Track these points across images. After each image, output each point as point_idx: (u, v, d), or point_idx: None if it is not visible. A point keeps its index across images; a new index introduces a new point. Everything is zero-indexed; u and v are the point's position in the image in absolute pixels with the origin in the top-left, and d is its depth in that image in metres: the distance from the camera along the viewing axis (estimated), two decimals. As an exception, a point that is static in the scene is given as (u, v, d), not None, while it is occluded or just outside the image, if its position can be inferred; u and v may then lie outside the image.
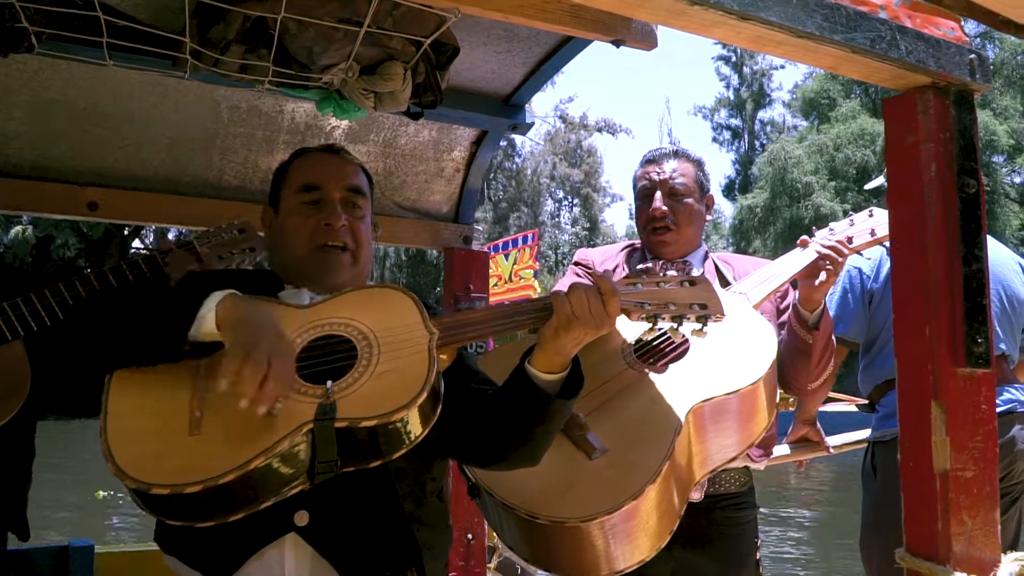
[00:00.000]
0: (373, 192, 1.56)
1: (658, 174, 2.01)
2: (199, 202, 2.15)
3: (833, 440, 2.78)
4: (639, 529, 1.51)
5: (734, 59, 37.22)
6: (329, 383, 1.17)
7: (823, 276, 1.85)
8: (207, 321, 1.19)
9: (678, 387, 1.64)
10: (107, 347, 1.22)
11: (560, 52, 2.05)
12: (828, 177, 27.24)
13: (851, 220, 1.96)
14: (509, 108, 2.25)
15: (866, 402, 2.63)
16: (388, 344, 1.22)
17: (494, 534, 2.56)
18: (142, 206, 2.08)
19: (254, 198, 2.22)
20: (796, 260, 1.90)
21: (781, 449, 2.57)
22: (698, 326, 1.32)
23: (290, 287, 1.44)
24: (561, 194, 39.03)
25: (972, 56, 1.12)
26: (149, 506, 1.11)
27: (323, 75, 1.80)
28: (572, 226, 38.78)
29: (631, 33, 1.80)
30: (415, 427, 1.17)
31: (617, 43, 1.81)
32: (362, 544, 1.29)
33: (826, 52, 1.04)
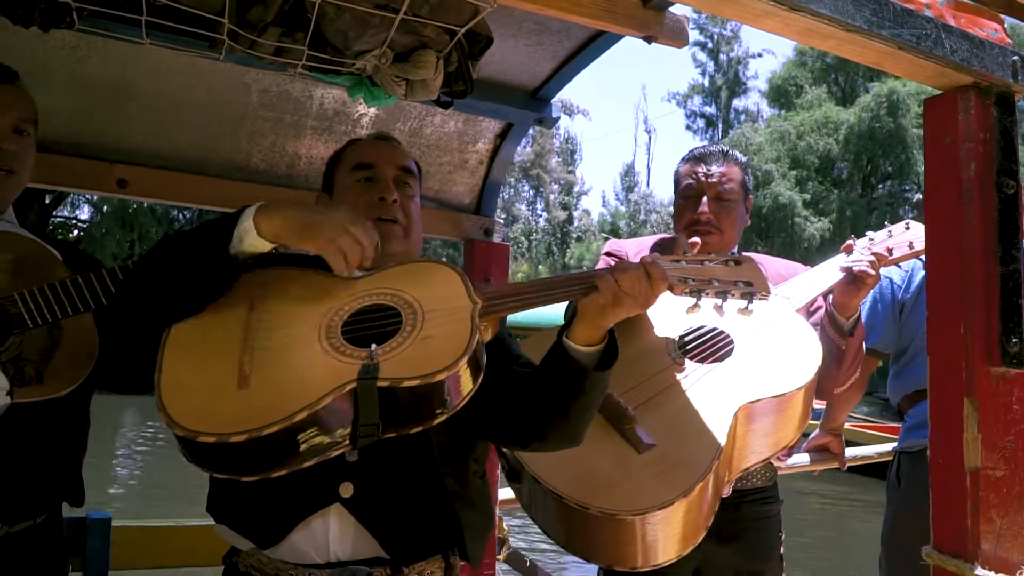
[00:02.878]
0: (420, 177, 1.60)
1: (706, 175, 2.02)
2: (226, 184, 2.17)
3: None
4: (682, 524, 1.54)
5: (711, 45, 37.14)
6: (373, 346, 1.19)
7: (861, 284, 1.88)
8: (249, 232, 1.22)
9: (725, 386, 1.67)
10: (155, 290, 1.26)
11: (590, 47, 2.07)
12: (789, 165, 26.80)
13: (889, 231, 1.99)
14: (536, 101, 2.26)
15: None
16: (433, 313, 1.25)
17: (503, 525, 2.58)
18: (170, 186, 2.10)
19: (280, 182, 2.24)
20: (836, 267, 1.93)
21: (800, 457, 2.59)
22: (743, 303, 1.34)
23: None
24: (531, 182, 39.18)
25: (1015, 58, 1.13)
26: (195, 456, 1.13)
27: (356, 61, 1.82)
28: (547, 212, 38.90)
29: (663, 29, 1.81)
30: (456, 393, 1.19)
31: (649, 39, 1.82)
32: (404, 518, 1.32)
33: (873, 47, 1.05)
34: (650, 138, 53.26)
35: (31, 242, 1.58)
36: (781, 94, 30.44)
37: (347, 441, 1.17)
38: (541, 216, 38.88)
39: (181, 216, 27.51)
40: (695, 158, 2.08)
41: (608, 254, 2.13)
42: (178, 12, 1.68)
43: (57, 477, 1.57)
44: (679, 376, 1.70)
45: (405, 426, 1.19)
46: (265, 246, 1.25)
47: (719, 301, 1.36)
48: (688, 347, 1.76)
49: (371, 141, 1.62)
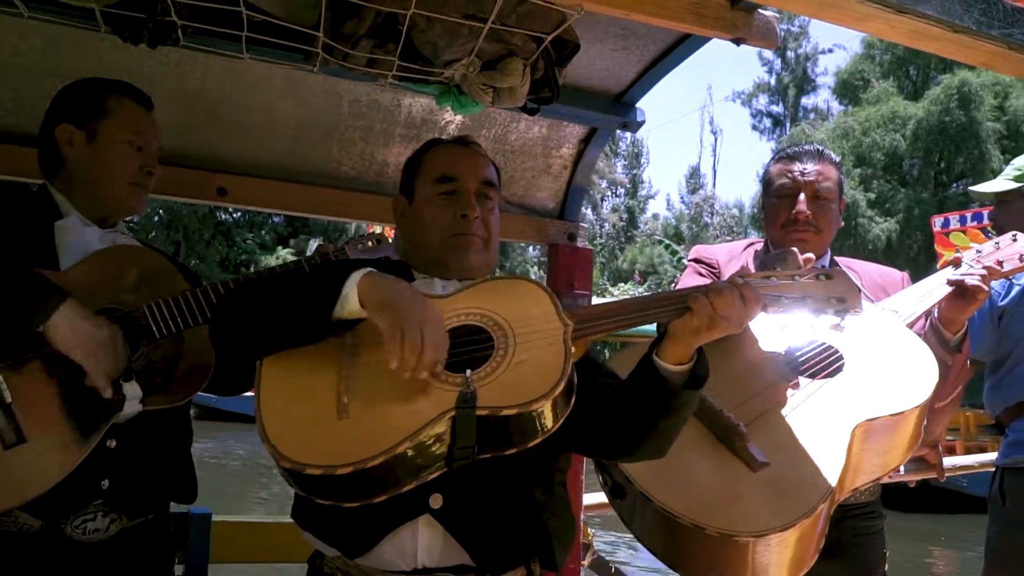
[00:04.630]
0: (500, 184, 1.60)
1: (803, 174, 1.96)
2: (318, 191, 2.24)
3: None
4: (796, 548, 1.50)
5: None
6: (468, 372, 1.21)
7: (972, 299, 1.81)
8: (350, 300, 1.24)
9: (839, 403, 1.63)
10: (257, 332, 1.30)
11: (676, 50, 2.05)
12: (853, 163, 25.14)
13: (996, 243, 1.90)
14: (620, 106, 2.26)
15: None
16: (523, 335, 1.26)
17: (589, 531, 2.58)
18: (266, 193, 2.18)
19: (369, 189, 2.30)
20: (943, 280, 1.85)
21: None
22: (836, 320, 1.30)
23: (422, 277, 1.49)
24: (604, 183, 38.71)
25: None
26: (301, 485, 1.18)
27: (445, 70, 1.86)
28: (595, 215, 38.38)
29: (753, 31, 1.78)
30: (550, 417, 1.20)
31: (738, 41, 1.80)
32: (493, 529, 1.34)
33: (982, 48, 1.01)
34: (716, 139, 52.34)
35: (154, 255, 1.68)
36: (848, 89, 29.18)
37: (443, 463, 1.20)
38: (606, 221, 38.58)
39: (228, 218, 28.38)
40: (788, 157, 2.03)
41: (696, 260, 2.10)
42: (275, 27, 1.75)
43: (173, 476, 1.65)
44: (790, 392, 1.66)
45: (500, 449, 1.22)
46: (363, 314, 1.25)
47: (812, 318, 1.33)
48: (797, 362, 1.72)
49: (453, 147, 1.60)
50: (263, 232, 30.69)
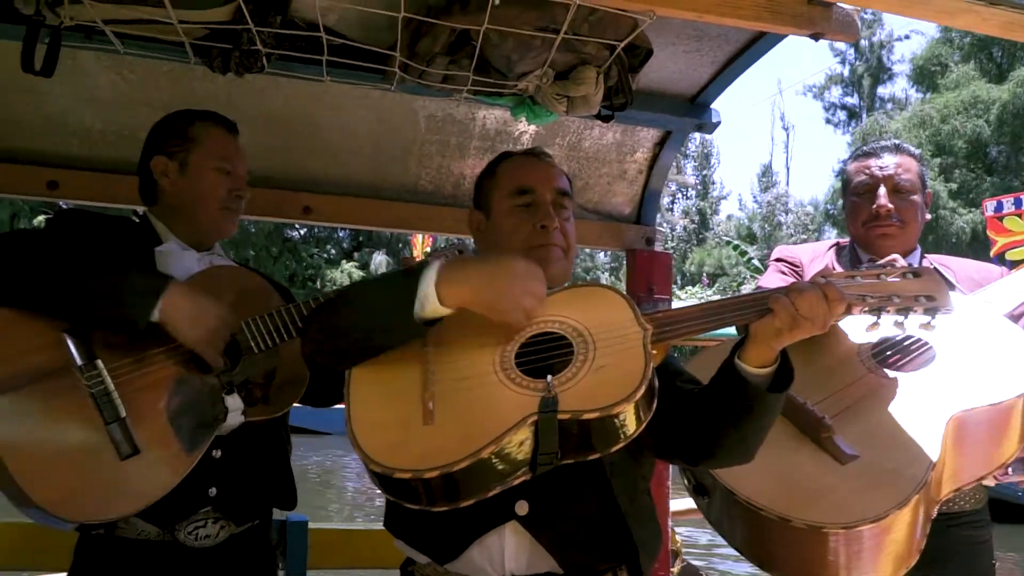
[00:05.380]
0: (573, 192, 1.62)
1: (881, 169, 1.93)
2: (397, 206, 2.30)
3: None
4: (888, 545, 1.47)
5: (850, 31, 34.34)
6: (549, 377, 1.23)
7: None
8: (429, 298, 1.27)
9: (930, 394, 1.58)
10: (343, 343, 1.34)
11: (751, 49, 2.03)
12: (932, 152, 23.89)
13: None
14: (695, 108, 2.24)
15: None
16: (603, 340, 1.27)
17: (676, 538, 2.56)
18: (347, 209, 2.26)
19: (446, 202, 2.35)
20: None
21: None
22: (926, 319, 1.27)
23: None
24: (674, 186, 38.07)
25: None
26: (390, 490, 1.22)
27: (519, 82, 1.88)
28: (682, 218, 37.71)
29: (832, 25, 1.75)
30: (632, 422, 1.21)
31: (816, 36, 1.76)
32: (579, 536, 1.35)
33: (1081, 35, 0.97)
34: (788, 135, 50.98)
35: (250, 274, 1.77)
36: (925, 76, 27.85)
37: (527, 469, 1.22)
38: (677, 224, 38.04)
39: (295, 234, 28.98)
40: (865, 154, 1.99)
41: (779, 260, 2.07)
42: (354, 50, 1.81)
43: (275, 484, 1.73)
44: (877, 385, 1.62)
45: (583, 454, 1.23)
46: (446, 312, 1.28)
47: (900, 318, 1.30)
48: (883, 355, 1.68)
49: (527, 160, 1.62)
50: (328, 247, 31.43)
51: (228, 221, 1.76)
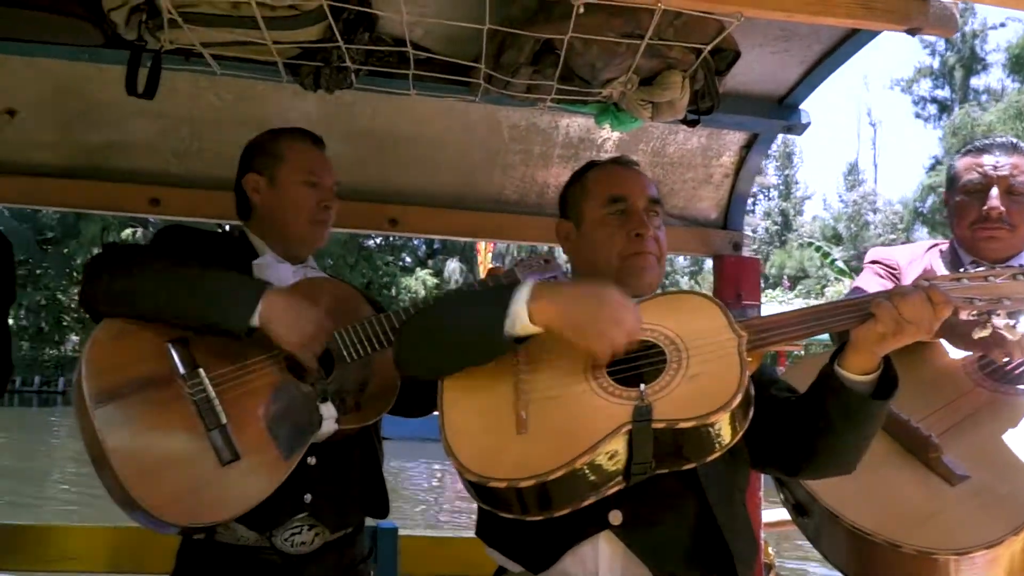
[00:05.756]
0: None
1: (995, 168, 1.83)
2: (481, 216, 2.32)
3: None
4: (1005, 569, 1.41)
5: (940, 21, 32.60)
6: (642, 386, 1.22)
7: None
8: (520, 317, 1.28)
9: None
10: (435, 354, 1.36)
11: (842, 47, 1.96)
12: None
13: None
14: (783, 109, 2.18)
15: None
16: (696, 348, 1.25)
17: (769, 550, 2.49)
18: (433, 220, 2.30)
19: (531, 211, 2.36)
20: None
21: None
22: None
23: None
24: (755, 187, 37.04)
25: None
26: (485, 499, 1.23)
27: (603, 89, 1.87)
28: (764, 219, 36.65)
29: (929, 19, 1.68)
30: (728, 431, 1.19)
31: (913, 31, 1.70)
32: (674, 546, 1.33)
33: None
34: (874, 131, 49.07)
35: (342, 285, 1.82)
36: (1021, 65, 26.26)
37: (621, 478, 1.21)
38: (758, 226, 37.15)
39: (372, 243, 29.41)
40: (977, 150, 1.89)
41: (875, 262, 1.99)
42: (439, 63, 1.84)
43: (367, 491, 1.76)
44: (986, 400, 1.55)
45: (678, 464, 1.21)
46: (536, 331, 1.28)
47: (1011, 322, 1.23)
48: (991, 367, 1.60)
49: (617, 168, 1.62)
50: (403, 254, 32.00)
51: (318, 232, 1.81)
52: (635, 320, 1.28)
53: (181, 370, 1.51)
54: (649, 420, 1.18)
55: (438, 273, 31.04)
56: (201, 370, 1.52)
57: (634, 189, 1.54)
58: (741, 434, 1.22)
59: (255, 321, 1.52)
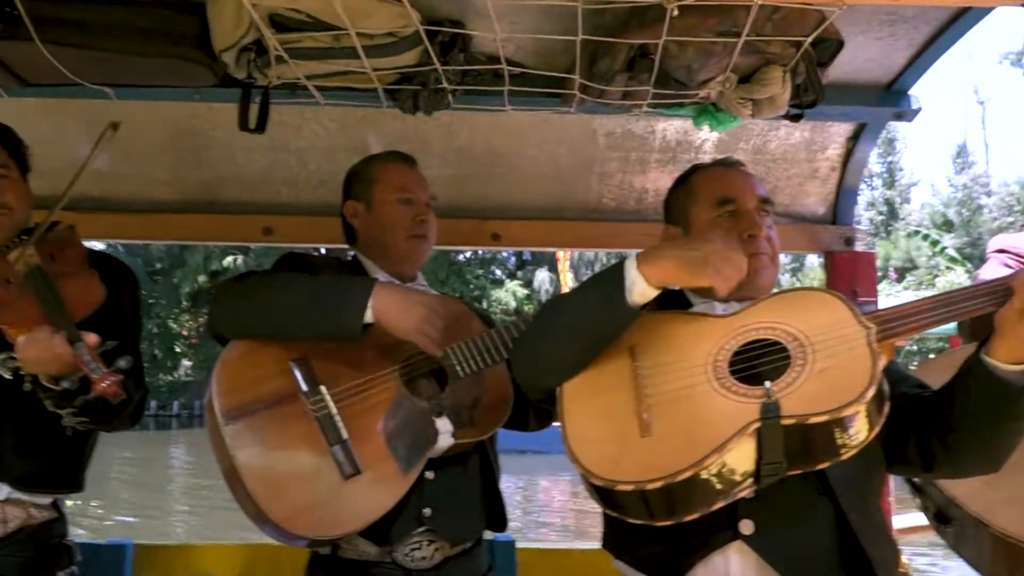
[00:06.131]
0: None
1: None
2: (581, 225, 2.33)
3: None
4: None
5: (1053, -20, 30.43)
6: (767, 383, 1.19)
7: None
8: (636, 283, 1.28)
9: None
10: (556, 348, 1.37)
11: (953, 27, 1.87)
12: None
13: None
14: (891, 95, 2.10)
15: None
16: (822, 343, 1.22)
17: (903, 559, 2.37)
18: (533, 233, 2.32)
19: (630, 218, 2.35)
20: None
21: None
22: None
23: (701, 301, 1.49)
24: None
25: None
26: (611, 504, 1.22)
27: (700, 90, 1.84)
28: (868, 209, 35.02)
29: (1048, -12, 1.58)
30: (864, 427, 1.15)
31: (1030, 2, 1.60)
32: (809, 555, 1.29)
33: None
34: (983, 110, 46.35)
35: (453, 301, 1.86)
36: None
37: (751, 480, 1.18)
38: (863, 215, 35.59)
39: (462, 258, 29.59)
40: None
41: (1002, 251, 1.89)
42: (532, 76, 1.85)
43: (486, 505, 1.78)
44: None
45: (811, 463, 1.18)
46: (653, 293, 1.29)
47: None
48: None
49: (724, 170, 1.60)
50: (492, 267, 32.21)
51: (418, 247, 1.85)
52: (741, 257, 1.29)
53: (304, 387, 1.57)
54: (778, 416, 1.15)
55: (528, 284, 31.16)
56: (323, 387, 1.57)
57: (743, 189, 1.52)
58: (876, 431, 1.17)
59: (369, 317, 1.55)
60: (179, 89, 1.86)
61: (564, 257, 21.49)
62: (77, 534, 1.83)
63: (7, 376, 1.60)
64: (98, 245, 2.36)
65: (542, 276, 30.25)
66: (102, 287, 1.71)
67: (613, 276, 1.31)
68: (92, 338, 1.52)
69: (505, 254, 31.73)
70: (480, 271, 31.86)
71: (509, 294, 30.16)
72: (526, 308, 28.84)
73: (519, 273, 31.97)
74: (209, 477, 14.87)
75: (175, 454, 20.57)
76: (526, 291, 30.81)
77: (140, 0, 1.67)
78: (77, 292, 1.66)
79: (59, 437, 1.69)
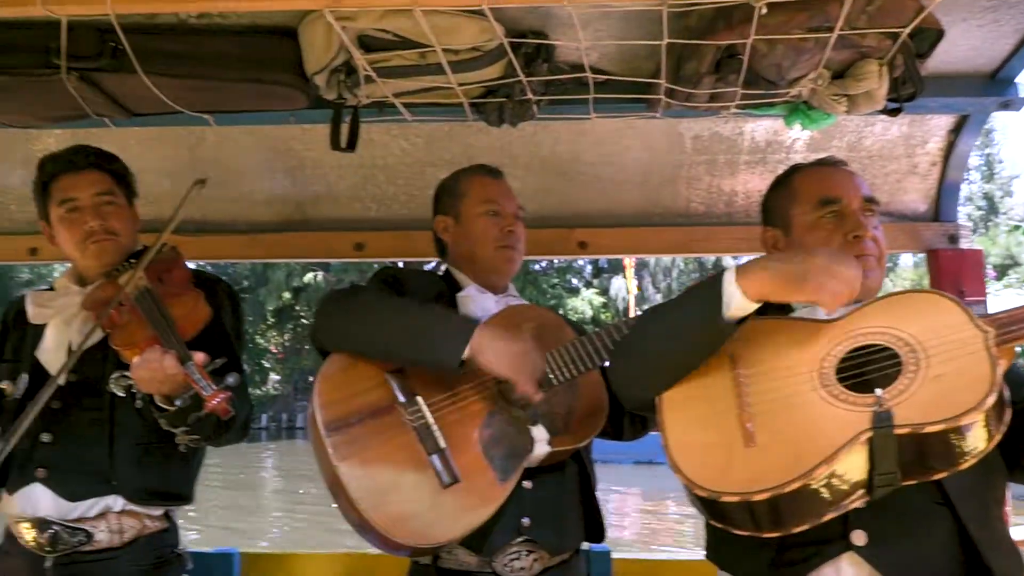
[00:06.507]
0: None
1: None
2: (669, 231, 2.30)
3: None
4: None
5: None
6: (878, 391, 1.15)
7: None
8: (734, 297, 1.25)
9: None
10: (654, 360, 1.36)
11: (1064, 7, 1.77)
12: None
13: None
14: (996, 84, 1.99)
15: None
16: (935, 347, 1.17)
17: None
18: (621, 240, 2.30)
19: (719, 221, 2.31)
20: None
21: None
22: None
23: (800, 304, 1.44)
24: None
25: None
26: (716, 515, 1.20)
27: (791, 88, 1.80)
28: (964, 204, 33.23)
29: None
30: (982, 436, 1.10)
31: None
32: (926, 567, 1.24)
33: None
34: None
35: (544, 311, 1.87)
36: None
37: (863, 491, 1.15)
38: (961, 208, 33.94)
39: (538, 267, 29.43)
40: None
41: None
42: (616, 83, 1.84)
43: (584, 514, 1.77)
44: None
45: (926, 473, 1.14)
46: (751, 307, 1.26)
47: None
48: None
49: (826, 170, 1.56)
50: (568, 276, 32.04)
51: (507, 258, 1.86)
52: (854, 270, 1.21)
53: (401, 398, 1.60)
54: (891, 426, 1.11)
55: (604, 292, 30.94)
56: (419, 398, 1.60)
57: (847, 189, 1.48)
58: (997, 439, 1.12)
59: (465, 355, 1.57)
60: (277, 113, 1.92)
61: (629, 264, 21.74)
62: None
63: (121, 394, 1.68)
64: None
65: (619, 284, 30.01)
66: (207, 306, 1.78)
67: (711, 288, 1.28)
68: (201, 356, 1.58)
69: (581, 262, 31.57)
70: (556, 280, 31.80)
71: (585, 303, 30.02)
72: (602, 316, 28.65)
73: (595, 281, 31.77)
74: (298, 487, 15.29)
75: (264, 465, 21.21)
76: (603, 299, 30.60)
77: (236, 30, 1.74)
78: (185, 312, 1.74)
79: (171, 452, 1.77)
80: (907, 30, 1.64)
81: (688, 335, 1.32)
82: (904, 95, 1.79)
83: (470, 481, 1.56)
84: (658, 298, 28.93)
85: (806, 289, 1.21)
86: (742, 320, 1.29)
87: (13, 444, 1.66)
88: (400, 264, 2.60)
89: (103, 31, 1.62)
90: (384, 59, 1.72)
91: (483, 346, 1.57)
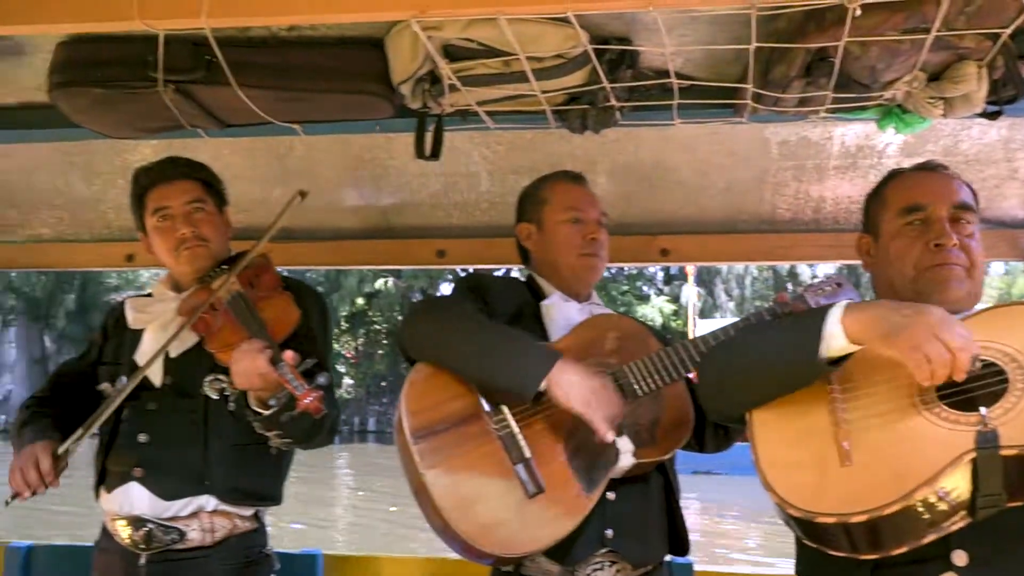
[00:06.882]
0: (978, 205, 1.45)
1: None
2: (754, 238, 2.26)
3: None
4: None
5: None
6: (983, 410, 1.10)
7: None
8: (835, 337, 1.21)
9: None
10: (744, 384, 1.34)
11: None
12: None
13: None
14: (1103, 86, 1.90)
15: None
16: None
17: None
18: (704, 248, 2.28)
19: (806, 228, 2.27)
20: None
21: None
22: None
23: None
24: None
25: None
26: (811, 535, 1.17)
27: (885, 91, 1.75)
28: None
29: None
30: None
31: None
32: None
33: None
34: None
35: (627, 320, 1.86)
36: None
37: (965, 512, 1.11)
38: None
39: (607, 274, 29.12)
40: None
41: None
42: (701, 89, 1.82)
43: (668, 527, 1.76)
44: None
45: None
46: (850, 349, 1.22)
47: None
48: None
49: (918, 175, 1.52)
50: (638, 283, 31.69)
51: (590, 266, 1.86)
52: (961, 338, 1.14)
53: (486, 407, 1.61)
54: (996, 447, 1.07)
55: (675, 299, 30.55)
56: (504, 407, 1.60)
57: (936, 195, 1.43)
58: None
59: (543, 386, 1.57)
60: (362, 122, 1.96)
61: (691, 271, 21.75)
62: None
63: (214, 396, 1.74)
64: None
65: (690, 291, 29.62)
66: (296, 309, 1.83)
67: (814, 320, 1.24)
68: (291, 355, 1.62)
69: (653, 269, 31.22)
70: (626, 287, 31.54)
71: (655, 310, 29.69)
72: (673, 324, 28.26)
73: (666, 288, 31.40)
74: (371, 490, 15.52)
75: (339, 467, 21.60)
76: (673, 307, 30.22)
77: (325, 42, 1.78)
78: (275, 315, 1.79)
79: (263, 454, 1.82)
80: (1008, 31, 1.58)
81: (781, 365, 1.29)
82: (1004, 98, 1.73)
83: (555, 491, 1.56)
84: (731, 307, 28.40)
85: (898, 344, 1.16)
86: (841, 360, 1.24)
87: (89, 434, 1.75)
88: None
89: (198, 45, 1.68)
90: (468, 68, 1.74)
91: (560, 380, 1.56)
